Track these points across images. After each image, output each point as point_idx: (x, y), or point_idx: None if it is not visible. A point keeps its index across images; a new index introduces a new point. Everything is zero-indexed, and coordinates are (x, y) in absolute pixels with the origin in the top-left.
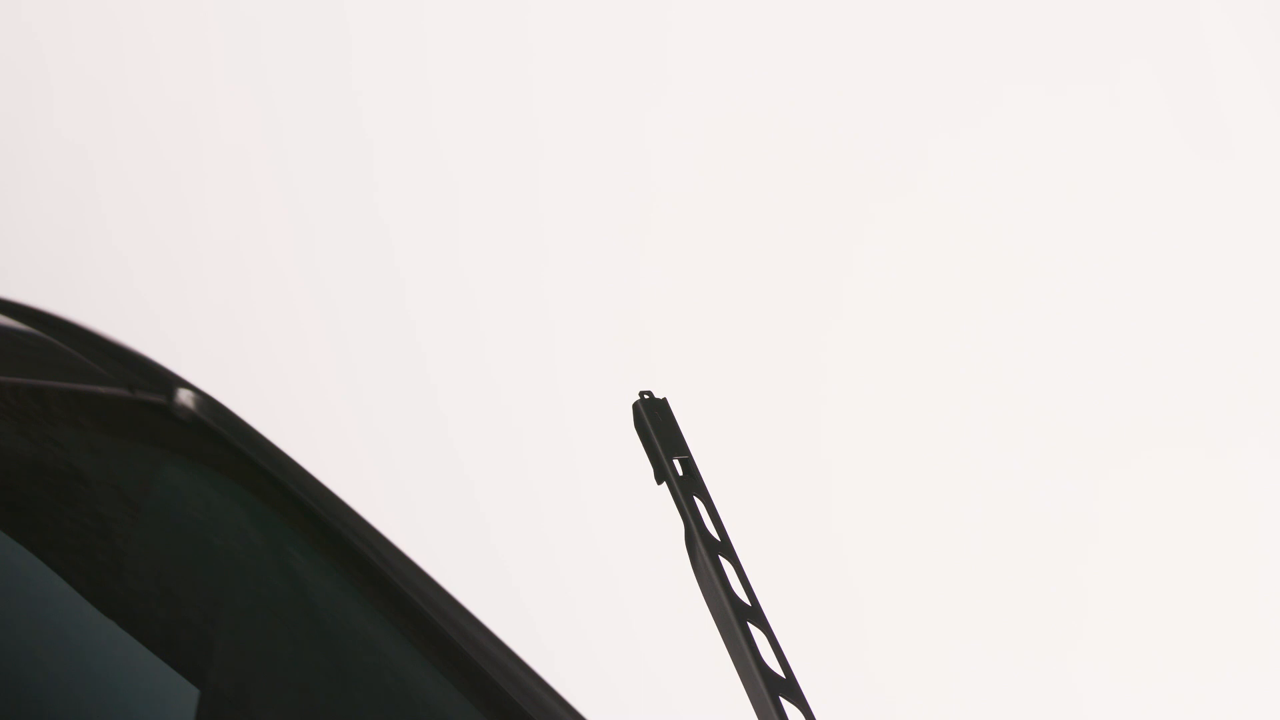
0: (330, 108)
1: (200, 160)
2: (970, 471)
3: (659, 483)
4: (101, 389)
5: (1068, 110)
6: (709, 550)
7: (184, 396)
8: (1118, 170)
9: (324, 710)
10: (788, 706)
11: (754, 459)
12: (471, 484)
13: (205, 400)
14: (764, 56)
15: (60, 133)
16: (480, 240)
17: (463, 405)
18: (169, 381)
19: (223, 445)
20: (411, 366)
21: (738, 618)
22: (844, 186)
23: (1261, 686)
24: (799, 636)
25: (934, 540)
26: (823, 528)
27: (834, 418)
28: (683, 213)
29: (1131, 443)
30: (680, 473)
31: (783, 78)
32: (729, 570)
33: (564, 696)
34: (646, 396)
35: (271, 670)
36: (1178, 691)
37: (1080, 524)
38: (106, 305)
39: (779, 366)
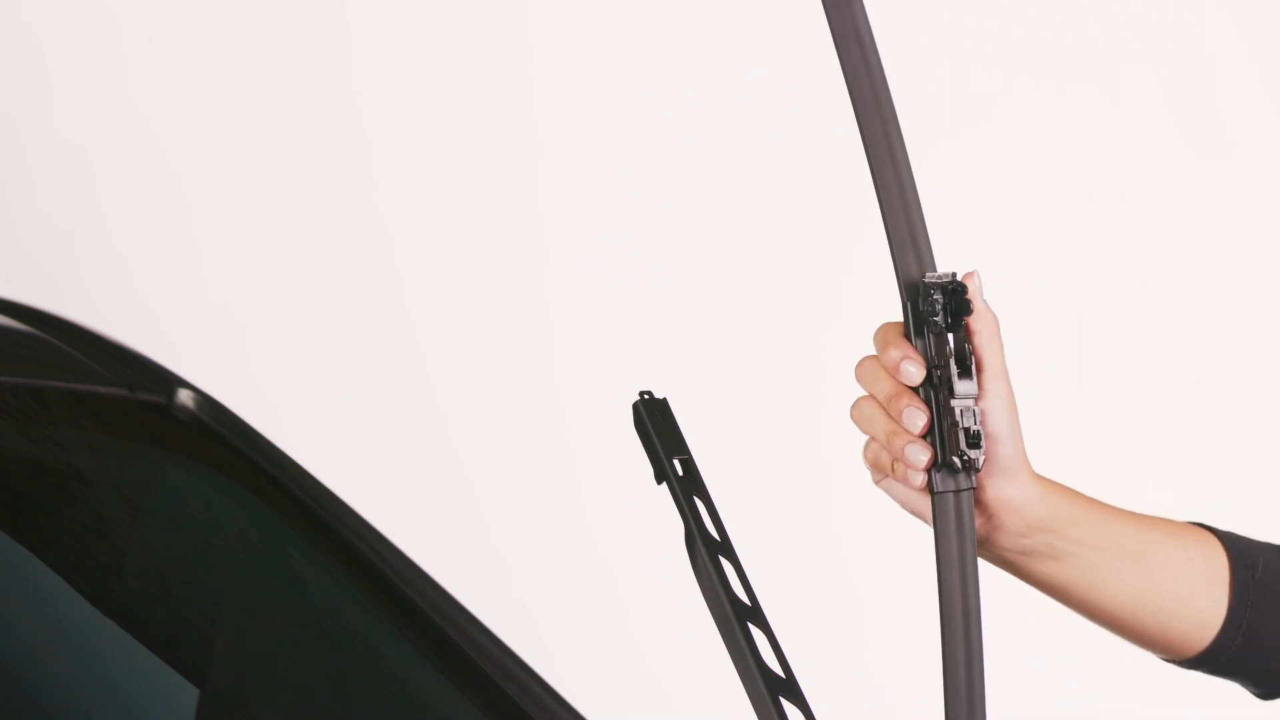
0: (330, 108)
1: (200, 160)
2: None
3: (659, 483)
4: (101, 389)
5: (1068, 110)
6: (709, 550)
7: (184, 396)
8: (1117, 170)
9: (324, 710)
10: (788, 706)
11: (754, 459)
12: (471, 484)
13: (205, 400)
14: (764, 56)
15: (60, 133)
16: (480, 240)
17: (463, 405)
18: (169, 381)
19: (223, 445)
20: (411, 366)
21: (738, 618)
22: (844, 186)
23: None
24: (799, 636)
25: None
26: (823, 528)
27: (834, 417)
28: (683, 213)
29: (1131, 443)
30: (680, 473)
31: (783, 78)
32: (729, 570)
33: (564, 696)
34: (646, 396)
35: (271, 670)
36: (1178, 692)
37: None
38: (106, 305)
39: (779, 366)
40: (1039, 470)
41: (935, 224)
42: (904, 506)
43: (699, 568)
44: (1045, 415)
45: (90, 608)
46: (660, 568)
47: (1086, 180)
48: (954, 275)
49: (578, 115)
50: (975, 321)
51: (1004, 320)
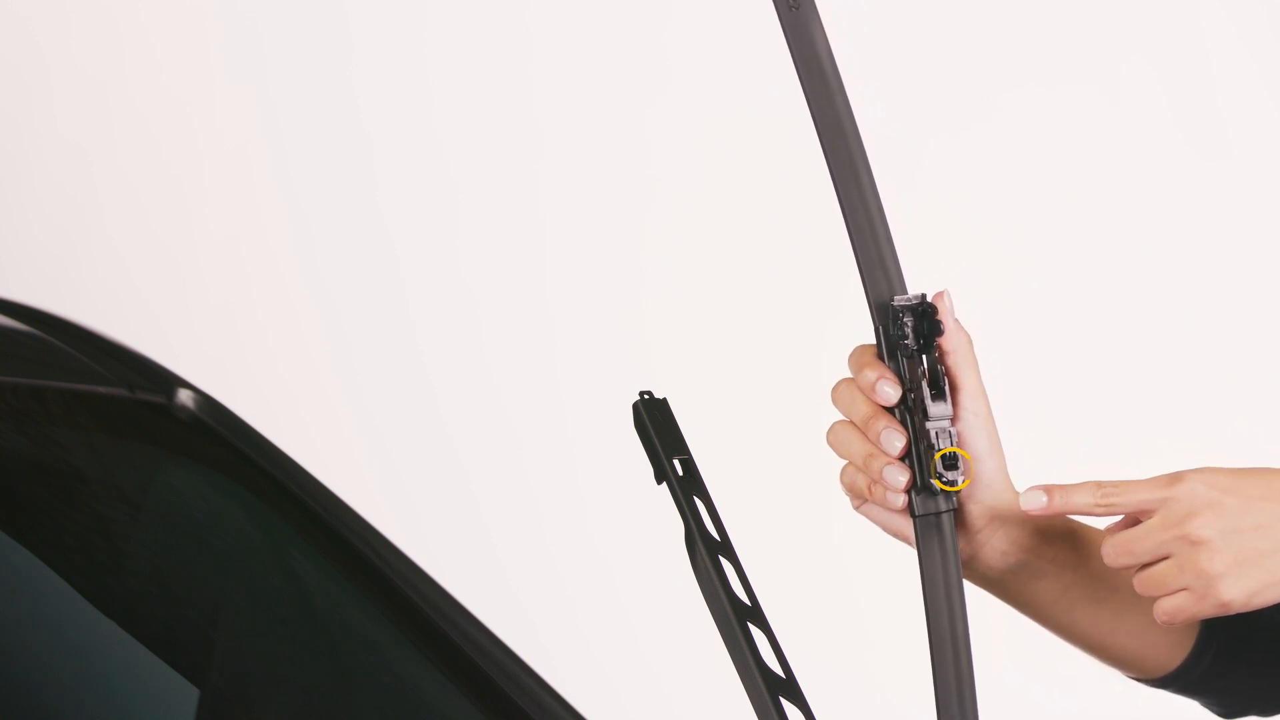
0: (330, 108)
1: (200, 160)
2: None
3: (659, 483)
4: (101, 389)
5: (1068, 110)
6: (709, 550)
7: (184, 396)
8: (1118, 170)
9: (324, 710)
10: (788, 706)
11: (754, 459)
12: (471, 484)
13: (205, 400)
14: (765, 56)
15: (60, 133)
16: (480, 240)
17: (463, 405)
18: (169, 381)
19: (223, 445)
20: (411, 366)
21: (738, 618)
22: None
23: None
24: (799, 636)
25: None
26: (823, 528)
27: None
28: (683, 212)
29: (1130, 444)
30: (680, 473)
31: (784, 78)
32: (729, 570)
33: (564, 696)
34: (646, 396)
35: (271, 670)
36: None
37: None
38: (106, 305)
39: (779, 366)
40: (1034, 472)
41: (935, 224)
42: (885, 530)
43: (699, 568)
44: (1044, 416)
45: (90, 608)
46: (660, 568)
47: (1086, 182)
48: (924, 296)
49: (579, 115)
50: (947, 342)
51: (1005, 320)
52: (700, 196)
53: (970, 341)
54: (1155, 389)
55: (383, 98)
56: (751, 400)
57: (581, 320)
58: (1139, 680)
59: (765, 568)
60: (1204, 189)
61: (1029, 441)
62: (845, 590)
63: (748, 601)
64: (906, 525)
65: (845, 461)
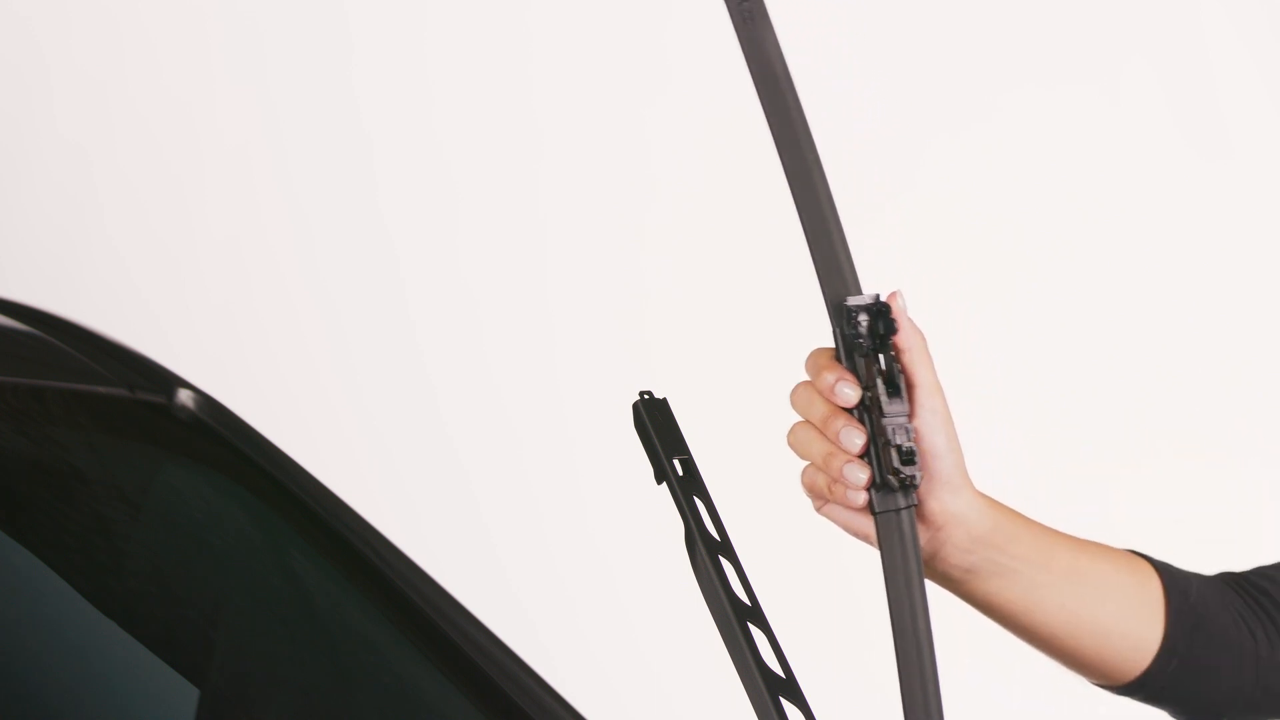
0: (330, 108)
1: (200, 160)
2: (969, 474)
3: (659, 483)
4: (101, 389)
5: (1068, 110)
6: (709, 550)
7: (184, 396)
8: (1117, 170)
9: (324, 710)
10: (788, 706)
11: (754, 459)
12: (471, 484)
13: (205, 400)
14: None
15: (60, 133)
16: (480, 240)
17: (462, 405)
18: (169, 381)
19: (223, 445)
20: (411, 367)
21: (738, 618)
22: (843, 186)
23: None
24: (799, 636)
25: None
26: (823, 528)
27: None
28: (683, 212)
29: (1129, 444)
30: (680, 473)
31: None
32: (729, 570)
33: (564, 696)
34: (646, 396)
35: (271, 670)
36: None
37: (1081, 528)
38: (106, 305)
39: (779, 366)
40: (1034, 475)
41: (934, 225)
42: (848, 530)
43: (699, 568)
44: (1045, 418)
45: (90, 608)
46: (660, 568)
47: (1086, 182)
48: (877, 296)
49: (579, 114)
50: (902, 340)
51: (1004, 321)
52: (700, 196)
53: (924, 340)
54: (1155, 389)
55: (383, 98)
56: (752, 400)
57: (581, 320)
58: (1105, 688)
59: (765, 568)
60: (1204, 189)
61: (1028, 441)
62: (845, 590)
63: (748, 601)
64: (868, 525)
65: (806, 464)
